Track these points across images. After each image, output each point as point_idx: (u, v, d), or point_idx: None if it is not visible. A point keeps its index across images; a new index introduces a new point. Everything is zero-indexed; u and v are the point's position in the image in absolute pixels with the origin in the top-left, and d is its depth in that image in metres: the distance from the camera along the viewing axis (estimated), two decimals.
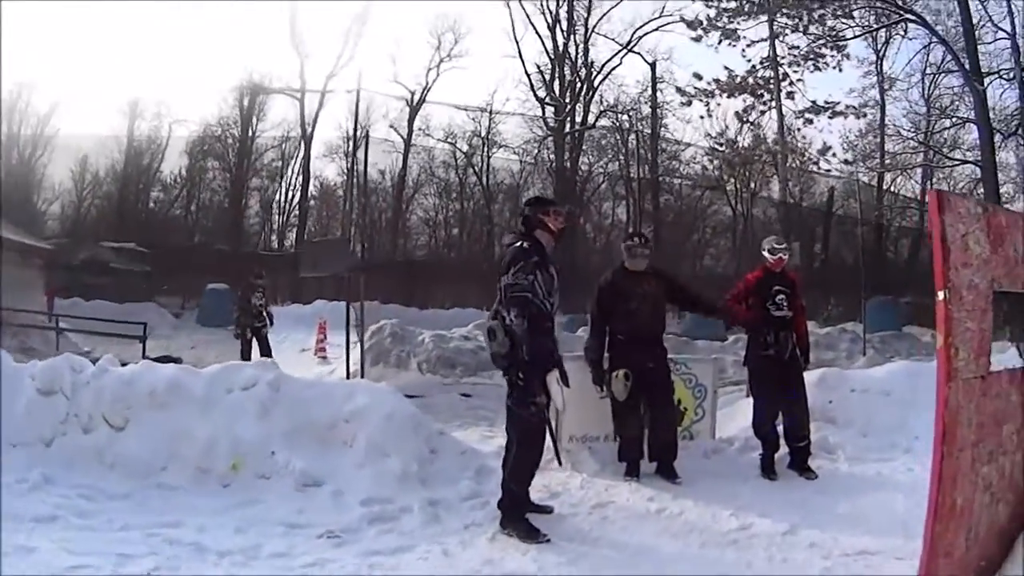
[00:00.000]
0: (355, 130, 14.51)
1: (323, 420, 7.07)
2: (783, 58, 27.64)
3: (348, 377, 12.66)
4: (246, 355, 14.01)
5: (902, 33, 30.96)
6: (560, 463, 6.39)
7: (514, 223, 6.37)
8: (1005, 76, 28.77)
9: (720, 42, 28.15)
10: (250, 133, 39.63)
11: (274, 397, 7.13)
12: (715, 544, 5.78)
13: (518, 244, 5.98)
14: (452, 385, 14.08)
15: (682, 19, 31.25)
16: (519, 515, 5.92)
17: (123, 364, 7.63)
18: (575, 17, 37.68)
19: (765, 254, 8.09)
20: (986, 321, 3.63)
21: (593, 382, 7.55)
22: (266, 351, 14.27)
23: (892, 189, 35.11)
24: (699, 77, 29.52)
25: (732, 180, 33.26)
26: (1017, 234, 4.06)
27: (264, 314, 14.89)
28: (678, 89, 32.81)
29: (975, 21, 28.09)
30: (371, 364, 14.37)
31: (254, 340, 14.74)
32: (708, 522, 6.24)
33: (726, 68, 28.59)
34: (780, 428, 7.91)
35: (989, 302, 3.67)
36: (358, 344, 14.07)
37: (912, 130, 33.18)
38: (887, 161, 33.21)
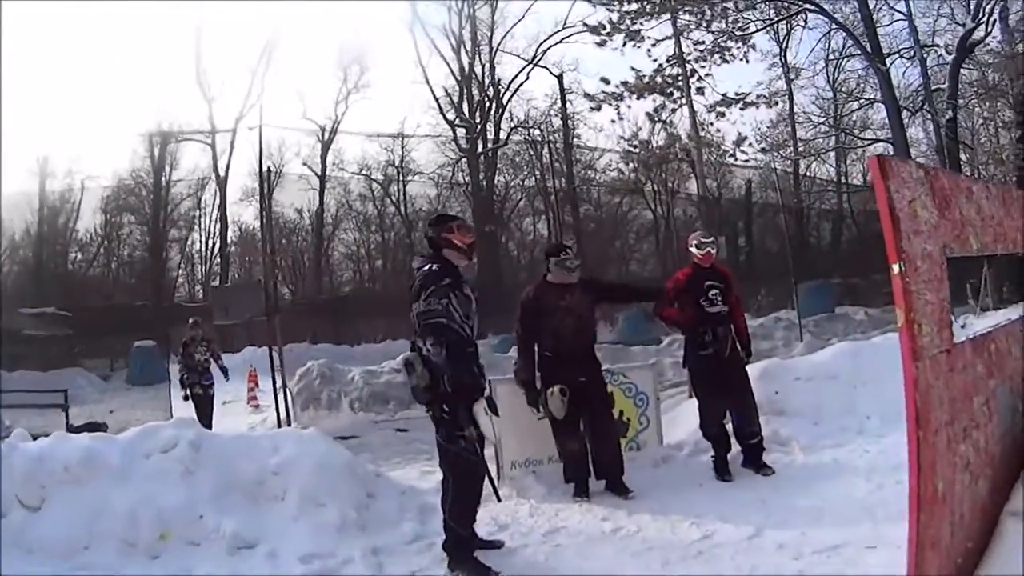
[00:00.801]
0: (260, 168, 14.04)
1: (251, 476, 6.62)
2: (689, 55, 27.53)
3: (279, 425, 12.24)
4: (201, 419, 12.43)
5: (802, 24, 31.42)
6: (499, 499, 6.00)
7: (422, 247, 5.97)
8: (905, 55, 29.46)
9: (624, 44, 27.85)
10: (163, 183, 38.78)
11: (196, 457, 6.63)
12: (679, 559, 5.48)
13: (427, 267, 5.61)
14: (387, 421, 13.67)
15: (584, 25, 31.19)
16: (467, 555, 5.59)
17: (35, 437, 7.02)
18: (479, 37, 37.64)
19: (693, 250, 7.87)
20: (943, 291, 3.37)
21: (528, 403, 7.25)
22: (206, 416, 13.02)
23: (808, 174, 35.61)
24: (606, 81, 29.28)
25: (649, 182, 33.21)
26: (960, 196, 3.81)
27: (210, 370, 13.46)
28: (586, 95, 32.70)
29: (872, 5, 28.75)
30: (301, 408, 13.91)
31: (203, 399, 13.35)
32: (668, 536, 5.96)
33: (633, 69, 28.40)
34: (729, 427, 7.69)
35: (944, 270, 3.40)
36: (284, 389, 13.61)
37: (822, 115, 33.84)
38: (800, 148, 33.62)
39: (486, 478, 5.68)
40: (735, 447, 7.65)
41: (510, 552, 5.96)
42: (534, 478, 7.52)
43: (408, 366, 5.45)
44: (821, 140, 33.92)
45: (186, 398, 13.37)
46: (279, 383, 12.84)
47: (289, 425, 12.01)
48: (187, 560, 5.93)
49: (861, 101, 32.73)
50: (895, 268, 2.92)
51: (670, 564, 5.42)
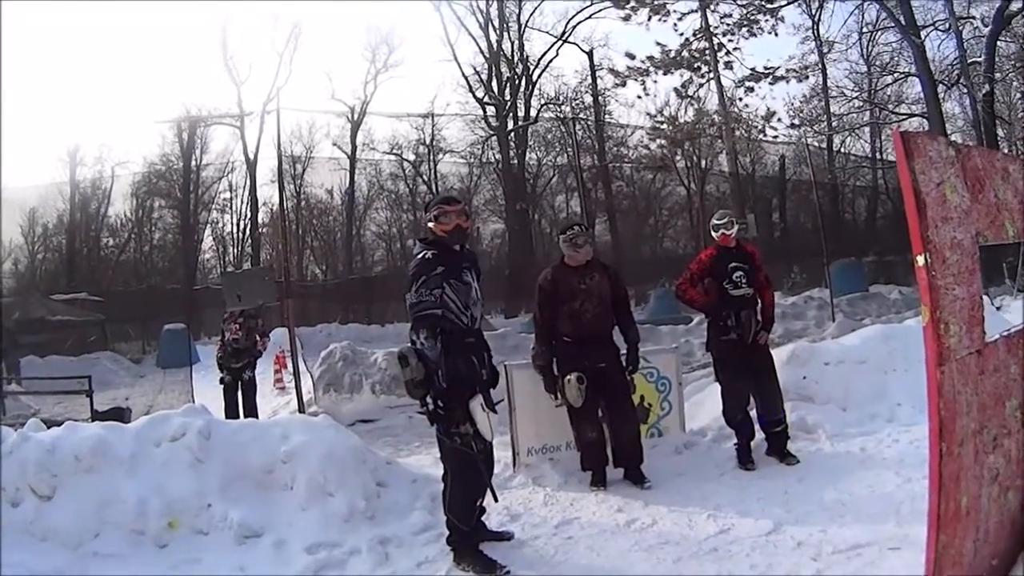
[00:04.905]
0: (279, 152, 13.94)
1: (259, 464, 6.53)
2: (716, 28, 27.23)
3: (301, 409, 12.06)
4: (229, 409, 11.75)
5: None
6: (496, 500, 5.74)
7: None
8: (941, 27, 29.02)
9: (649, 18, 27.56)
10: (193, 166, 38.98)
11: (205, 445, 6.54)
12: (692, 556, 5.27)
13: (420, 256, 5.41)
14: (408, 404, 13.44)
15: None
16: (472, 549, 5.44)
17: (59, 423, 6.96)
18: (507, 14, 37.42)
19: (712, 232, 7.60)
20: (975, 284, 3.07)
21: (545, 390, 7.05)
22: (248, 402, 12.01)
23: (842, 150, 35.22)
24: (631, 56, 28.96)
25: (680, 158, 32.93)
26: (995, 177, 3.48)
27: (248, 351, 12.06)
28: (611, 70, 32.38)
29: None
30: (323, 392, 13.77)
31: (239, 388, 12.02)
32: (684, 530, 5.75)
33: (658, 44, 28.03)
34: (753, 413, 7.46)
35: (976, 260, 3.11)
36: (308, 373, 13.44)
37: (856, 90, 33.47)
38: (834, 123, 33.24)
39: (487, 473, 5.52)
40: (759, 434, 7.42)
41: (519, 544, 5.81)
42: (551, 465, 7.34)
43: (402, 359, 5.21)
44: (855, 115, 33.67)
45: (221, 382, 12.24)
46: (296, 367, 12.58)
47: (302, 411, 11.79)
48: (195, 549, 5.88)
49: (896, 75, 32.50)
50: (920, 260, 2.65)
51: (683, 561, 5.22)
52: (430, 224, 5.53)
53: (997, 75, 27.61)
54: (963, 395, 2.83)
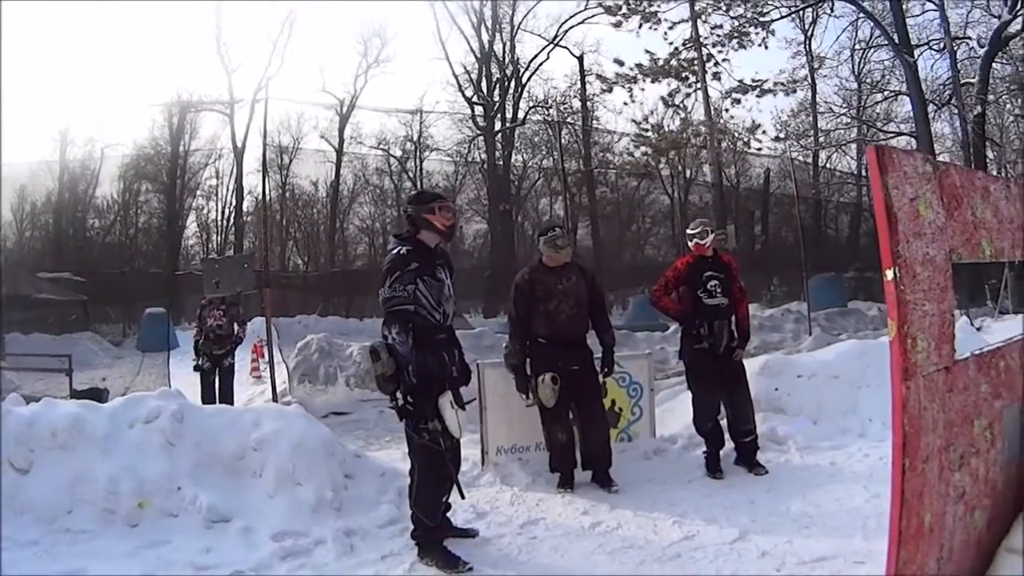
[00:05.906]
0: (265, 141, 13.97)
1: (231, 450, 6.57)
2: (706, 39, 27.35)
3: (275, 398, 12.05)
4: (206, 394, 11.83)
5: (829, 11, 31.12)
6: (463, 496, 5.75)
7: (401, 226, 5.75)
8: (935, 47, 29.08)
9: (640, 26, 27.68)
10: (181, 152, 38.92)
11: (178, 429, 6.59)
12: (655, 560, 5.28)
13: (395, 251, 5.42)
14: (381, 399, 13.42)
15: (600, 4, 30.88)
16: (436, 544, 5.43)
17: (30, 401, 7.01)
18: (500, 15, 37.54)
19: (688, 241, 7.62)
20: (947, 301, 3.08)
21: (517, 389, 7.03)
22: (225, 389, 11.97)
23: (828, 166, 35.38)
24: (620, 63, 29.07)
25: (664, 166, 32.99)
26: (974, 195, 3.49)
27: (228, 338, 12.02)
28: (599, 76, 32.51)
29: None
30: (298, 382, 13.76)
31: (217, 374, 12.00)
32: (648, 535, 5.77)
33: (647, 52, 28.16)
34: (724, 422, 7.45)
35: (948, 278, 3.11)
36: (283, 363, 13.43)
37: (844, 106, 33.61)
38: (821, 138, 33.35)
39: (454, 470, 5.52)
40: (729, 444, 7.44)
41: (484, 542, 5.83)
42: (519, 465, 7.35)
43: (373, 354, 5.24)
44: (843, 131, 33.80)
45: (196, 368, 12.19)
46: (271, 357, 12.59)
47: (276, 400, 11.76)
48: (164, 531, 5.94)
49: (886, 93, 32.60)
50: (888, 274, 2.65)
51: (646, 565, 5.23)
52: (428, 216, 5.50)
53: (990, 97, 27.72)
54: (929, 411, 2.84)
